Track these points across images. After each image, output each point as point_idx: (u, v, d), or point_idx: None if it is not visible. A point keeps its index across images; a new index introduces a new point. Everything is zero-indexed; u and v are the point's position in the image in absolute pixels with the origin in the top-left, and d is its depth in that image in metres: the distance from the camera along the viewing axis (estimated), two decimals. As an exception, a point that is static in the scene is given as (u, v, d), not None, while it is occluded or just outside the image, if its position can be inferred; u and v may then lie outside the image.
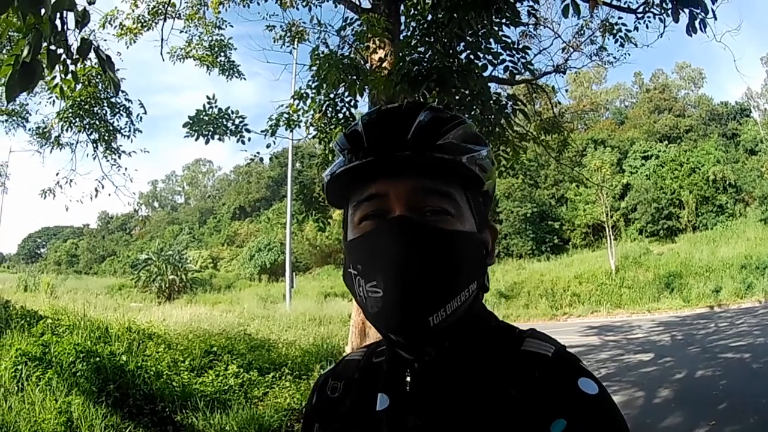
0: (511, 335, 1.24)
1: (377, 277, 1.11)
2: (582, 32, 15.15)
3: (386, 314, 1.11)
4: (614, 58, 15.80)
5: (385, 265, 1.10)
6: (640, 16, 11.94)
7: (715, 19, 8.75)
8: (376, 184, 1.16)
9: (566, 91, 26.72)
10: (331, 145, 9.95)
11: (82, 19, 3.56)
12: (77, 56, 3.74)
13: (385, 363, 1.28)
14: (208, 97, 10.32)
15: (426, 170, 1.14)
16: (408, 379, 1.19)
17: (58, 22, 3.43)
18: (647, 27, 12.06)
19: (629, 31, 12.63)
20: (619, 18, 12.90)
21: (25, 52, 3.21)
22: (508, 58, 7.64)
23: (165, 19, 13.98)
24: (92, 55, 3.88)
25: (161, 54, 14.43)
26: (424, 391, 1.17)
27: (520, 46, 7.93)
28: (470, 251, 1.18)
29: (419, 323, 1.09)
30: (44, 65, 3.60)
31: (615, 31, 12.94)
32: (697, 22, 8.08)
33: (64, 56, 3.86)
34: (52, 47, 3.54)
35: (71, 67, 4.21)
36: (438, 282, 1.10)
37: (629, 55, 16.02)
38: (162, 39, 14.16)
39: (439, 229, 1.13)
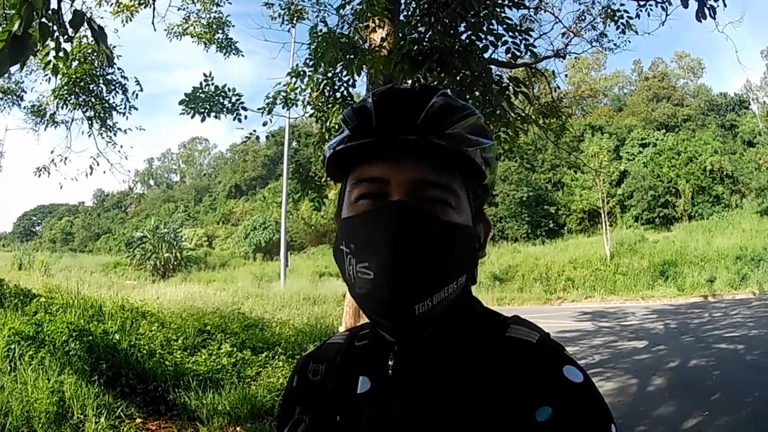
0: (495, 321, 1.23)
1: (370, 258, 1.09)
2: (583, 17, 15.08)
3: (374, 297, 1.10)
4: (614, 44, 15.71)
5: (380, 248, 1.08)
6: (642, 3, 11.89)
7: (725, 6, 8.72)
8: (378, 166, 1.14)
9: (565, 76, 26.65)
10: (328, 124, 9.93)
11: (75, -10, 3.49)
12: (70, 30, 3.67)
13: (368, 346, 1.28)
14: (204, 75, 10.29)
15: (430, 158, 1.11)
16: (390, 362, 1.18)
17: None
18: (648, 15, 12.04)
19: (631, 18, 12.57)
20: (621, 4, 12.85)
21: (16, 26, 3.16)
22: (510, 40, 7.60)
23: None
24: (85, 30, 3.84)
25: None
26: (406, 375, 1.17)
27: (523, 28, 7.88)
28: (464, 244, 1.15)
29: (405, 310, 1.08)
30: (36, 39, 3.54)
31: (616, 18, 12.88)
32: (706, 9, 8.06)
33: (57, 34, 3.81)
34: (44, 20, 3.48)
35: (64, 45, 4.16)
36: (430, 271, 1.09)
37: (629, 42, 15.89)
38: (157, 15, 14.08)
39: (439, 219, 1.11)
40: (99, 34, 3.56)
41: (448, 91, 1.22)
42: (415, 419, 1.11)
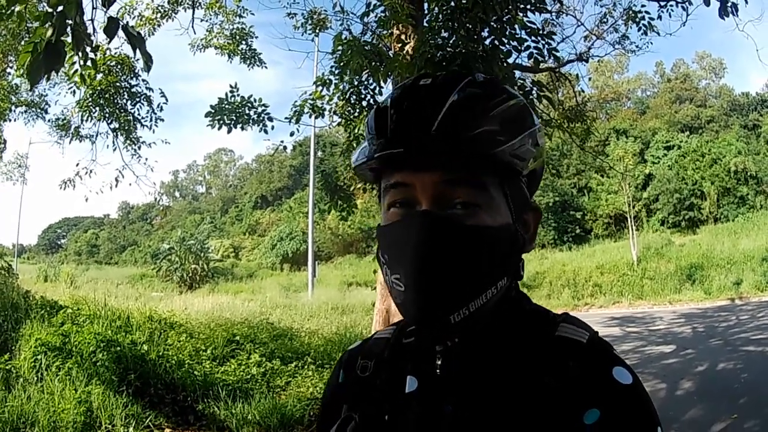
0: (545, 319, 1.21)
1: (400, 271, 1.10)
2: (605, 20, 15.01)
3: (408, 309, 1.11)
4: (637, 46, 15.64)
5: (406, 262, 1.08)
6: (663, 4, 11.84)
7: (746, 2, 8.67)
8: (401, 172, 1.13)
9: (589, 79, 26.50)
10: (355, 132, 9.92)
11: (109, -3, 3.51)
12: (105, 37, 3.70)
13: (414, 344, 1.26)
14: (230, 86, 10.28)
15: (451, 163, 1.08)
16: (438, 362, 1.17)
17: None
18: (670, 15, 12.00)
19: (652, 19, 12.53)
20: (642, 6, 12.80)
21: (50, 33, 3.17)
22: (533, 45, 7.56)
23: (185, 8, 13.93)
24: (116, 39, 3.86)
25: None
26: (454, 375, 1.15)
27: (545, 32, 7.83)
28: (500, 245, 1.13)
29: (439, 321, 1.09)
30: (69, 47, 3.56)
31: (638, 19, 12.83)
32: (728, 6, 8.02)
33: (84, 44, 3.82)
34: (77, 28, 3.49)
35: (91, 55, 4.17)
36: (460, 282, 1.08)
37: (651, 43, 15.81)
38: (191, 25, 14.14)
39: (465, 226, 1.08)
40: (137, 39, 3.57)
41: (477, 76, 1.17)
42: (463, 421, 1.09)
